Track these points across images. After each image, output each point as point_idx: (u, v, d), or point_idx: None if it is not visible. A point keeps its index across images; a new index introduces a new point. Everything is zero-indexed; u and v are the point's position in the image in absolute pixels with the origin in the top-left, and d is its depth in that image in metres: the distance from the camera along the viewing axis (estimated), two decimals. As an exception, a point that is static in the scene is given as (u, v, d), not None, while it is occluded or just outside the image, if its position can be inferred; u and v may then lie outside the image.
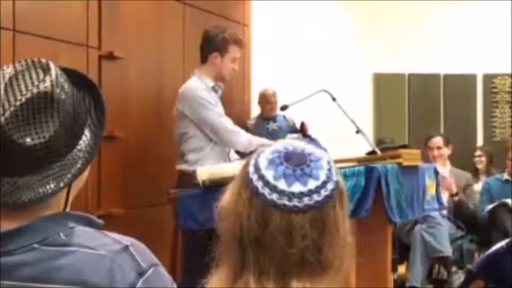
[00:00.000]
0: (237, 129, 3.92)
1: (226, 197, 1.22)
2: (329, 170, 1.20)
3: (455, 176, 5.76)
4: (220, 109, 3.91)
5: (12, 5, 3.45)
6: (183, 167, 3.89)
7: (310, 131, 4.65)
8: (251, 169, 1.20)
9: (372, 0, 7.16)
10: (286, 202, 1.15)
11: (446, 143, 5.83)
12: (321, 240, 1.16)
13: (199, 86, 3.90)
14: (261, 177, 1.17)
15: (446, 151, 5.80)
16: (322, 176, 1.18)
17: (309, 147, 1.23)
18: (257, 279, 1.15)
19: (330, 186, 1.18)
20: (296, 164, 1.18)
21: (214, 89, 3.98)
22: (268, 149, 1.22)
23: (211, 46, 3.95)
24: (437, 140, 5.82)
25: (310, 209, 1.15)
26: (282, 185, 1.16)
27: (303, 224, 1.15)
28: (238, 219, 1.17)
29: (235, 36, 3.99)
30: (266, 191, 1.16)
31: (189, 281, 3.44)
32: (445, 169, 5.72)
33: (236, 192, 1.20)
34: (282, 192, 1.15)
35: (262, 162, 1.19)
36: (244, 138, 3.85)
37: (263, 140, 3.85)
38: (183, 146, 3.92)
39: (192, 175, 3.75)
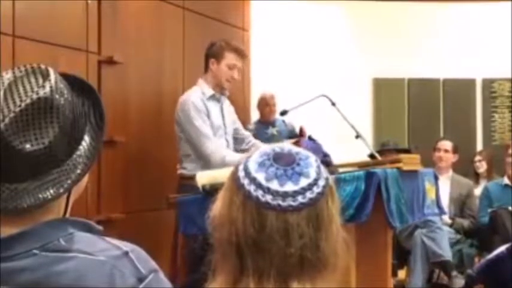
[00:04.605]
0: (214, 150, 3.86)
1: (218, 206, 1.21)
2: (318, 167, 1.21)
3: (456, 183, 5.78)
4: (207, 124, 3.90)
5: (12, 10, 3.46)
6: (182, 171, 4.00)
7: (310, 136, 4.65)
8: (241, 174, 1.20)
9: (371, 5, 7.17)
10: (281, 202, 1.15)
11: (454, 150, 5.90)
12: (318, 236, 1.17)
13: (195, 95, 3.98)
14: (253, 180, 1.17)
15: (452, 157, 5.86)
16: (313, 174, 1.19)
17: (294, 148, 1.24)
18: (257, 282, 1.15)
19: (321, 182, 1.19)
20: (286, 163, 1.19)
21: (214, 97, 4.05)
22: (256, 153, 1.23)
23: (210, 53, 4.08)
24: (446, 143, 5.91)
25: (304, 206, 1.16)
26: (274, 185, 1.16)
27: (299, 223, 1.15)
28: (234, 226, 1.17)
29: (232, 45, 4.10)
30: (259, 193, 1.16)
31: (189, 285, 3.44)
32: (447, 175, 5.76)
33: (228, 199, 1.20)
34: (275, 193, 1.16)
35: (252, 166, 1.20)
36: (219, 159, 3.80)
37: (239, 157, 3.82)
38: (180, 151, 4.03)
39: (191, 178, 3.78)
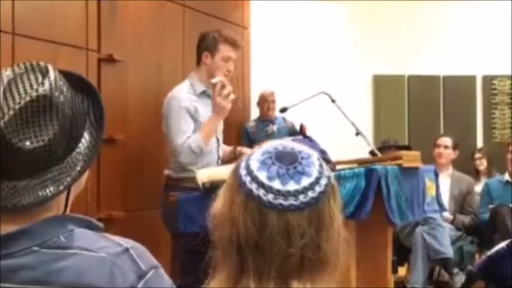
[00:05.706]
0: (181, 143, 3.68)
1: (219, 204, 1.20)
2: (320, 166, 1.20)
3: (457, 180, 5.78)
4: (187, 124, 3.71)
5: (12, 8, 3.46)
6: (168, 172, 3.83)
7: (310, 133, 4.65)
8: (243, 172, 1.19)
9: (371, 2, 7.16)
10: (282, 201, 1.14)
11: (455, 146, 5.91)
12: (319, 236, 1.16)
13: (183, 92, 3.80)
14: (254, 178, 1.17)
15: (452, 153, 5.86)
16: (315, 173, 1.18)
17: (298, 146, 1.23)
18: (257, 282, 1.15)
19: (323, 181, 1.18)
20: (288, 162, 1.18)
21: (205, 93, 3.86)
22: (258, 151, 1.22)
23: (203, 46, 3.88)
24: (446, 140, 5.93)
25: (306, 206, 1.15)
26: (276, 184, 1.15)
27: (300, 222, 1.15)
28: (235, 225, 1.16)
29: (227, 35, 3.87)
30: (261, 192, 1.15)
31: (189, 284, 3.43)
32: (447, 172, 5.77)
33: (229, 197, 1.19)
34: (277, 192, 1.15)
35: (254, 164, 1.19)
36: (187, 151, 3.65)
37: (197, 136, 3.68)
38: (167, 148, 3.87)
39: (177, 180, 3.72)
